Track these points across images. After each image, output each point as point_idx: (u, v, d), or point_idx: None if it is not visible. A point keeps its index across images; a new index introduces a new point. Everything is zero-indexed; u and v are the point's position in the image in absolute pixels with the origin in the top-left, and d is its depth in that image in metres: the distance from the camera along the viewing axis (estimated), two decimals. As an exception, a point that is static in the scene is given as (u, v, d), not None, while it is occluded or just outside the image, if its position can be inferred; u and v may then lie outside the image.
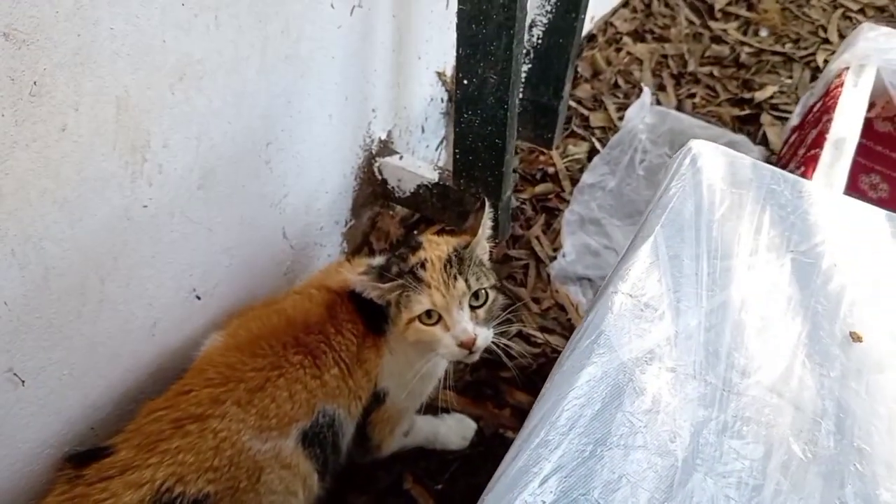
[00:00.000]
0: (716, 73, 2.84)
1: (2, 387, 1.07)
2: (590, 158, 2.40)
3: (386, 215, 1.92)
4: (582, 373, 0.87)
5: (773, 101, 2.74)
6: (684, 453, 0.82)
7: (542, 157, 2.37)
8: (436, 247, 1.33)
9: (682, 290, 1.00)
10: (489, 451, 1.75)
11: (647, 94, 2.45)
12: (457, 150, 1.63)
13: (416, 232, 2.05)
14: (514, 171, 2.22)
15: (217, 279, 1.42)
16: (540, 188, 2.29)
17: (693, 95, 2.74)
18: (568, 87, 1.87)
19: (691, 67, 2.84)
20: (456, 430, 1.70)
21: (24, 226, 1.00)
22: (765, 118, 2.61)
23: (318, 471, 1.30)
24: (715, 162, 1.21)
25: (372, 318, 1.34)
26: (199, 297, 1.39)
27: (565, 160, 2.38)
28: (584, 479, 0.78)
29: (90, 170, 1.07)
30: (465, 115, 1.57)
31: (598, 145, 2.44)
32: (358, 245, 1.89)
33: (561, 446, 0.79)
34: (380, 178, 1.80)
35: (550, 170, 2.34)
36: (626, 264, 1.04)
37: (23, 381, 1.10)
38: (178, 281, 1.33)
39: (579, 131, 2.52)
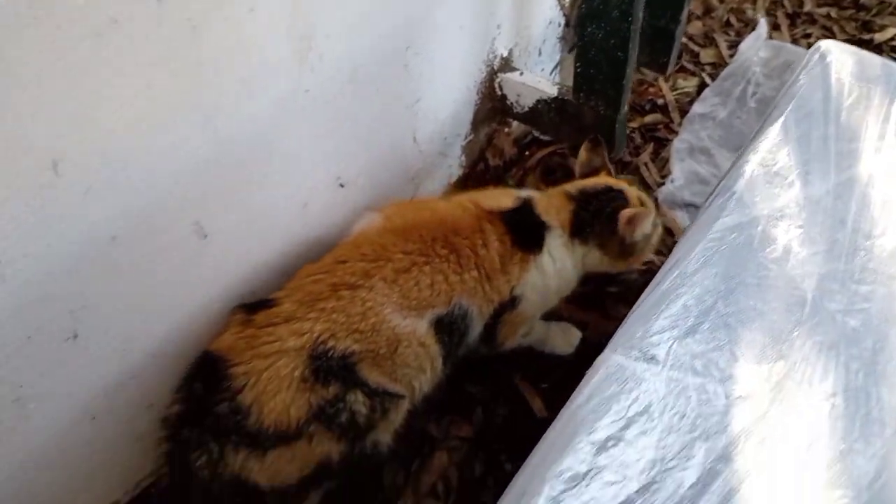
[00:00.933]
0: (833, 14, 2.78)
1: (189, 237, 1.24)
2: (699, 92, 2.42)
3: (501, 133, 2.01)
4: (716, 223, 0.95)
5: (894, 42, 2.66)
6: (812, 293, 0.89)
7: (651, 89, 2.41)
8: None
9: (811, 165, 1.06)
10: (592, 358, 1.83)
11: (762, 26, 2.44)
12: (578, 64, 1.71)
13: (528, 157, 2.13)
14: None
15: (357, 170, 1.56)
16: (649, 118, 2.33)
17: (808, 36, 2.70)
18: (685, 11, 1.91)
19: (807, 7, 2.79)
20: (564, 336, 1.80)
21: (212, 98, 1.14)
22: (884, 59, 2.55)
23: (444, 356, 1.43)
24: (844, 59, 1.25)
25: (523, 238, 1.48)
26: (342, 185, 1.53)
27: (674, 93, 2.41)
28: (719, 307, 0.86)
29: (269, 51, 1.21)
30: (589, 29, 1.64)
31: (707, 80, 2.46)
32: (475, 160, 2.00)
33: (697, 274, 0.87)
34: (499, 93, 1.90)
35: (660, 101, 2.38)
36: (755, 142, 1.10)
37: (206, 236, 1.27)
38: (325, 167, 1.47)
39: (689, 67, 2.54)
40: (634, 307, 0.99)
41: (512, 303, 1.50)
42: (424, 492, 1.65)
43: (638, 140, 2.27)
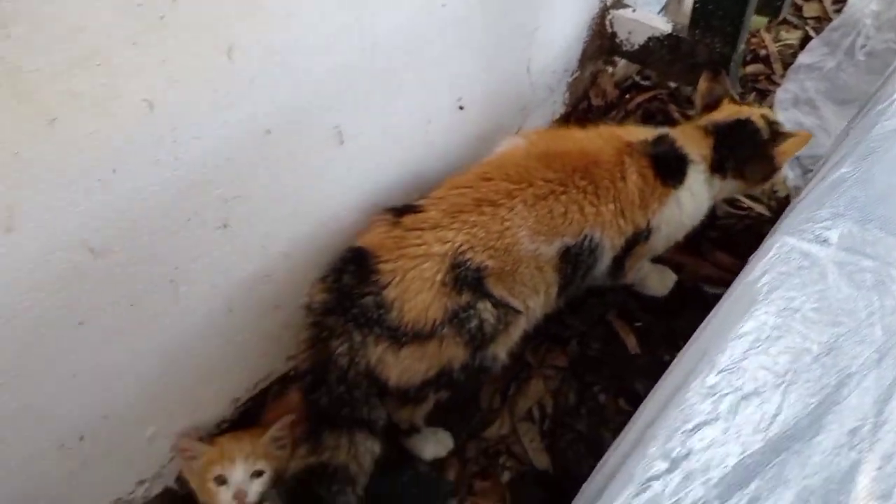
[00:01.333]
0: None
1: (329, 140, 1.28)
2: (802, 46, 2.37)
3: (605, 73, 2.01)
4: (876, 127, 0.94)
5: None
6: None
7: (753, 40, 2.36)
8: None
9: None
10: (685, 302, 1.84)
11: (875, -22, 2.36)
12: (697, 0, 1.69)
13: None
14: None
15: (476, 95, 1.58)
16: (751, 68, 2.30)
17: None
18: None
19: (918, -37, 2.68)
20: (660, 278, 1.81)
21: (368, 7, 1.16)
22: None
23: (560, 285, 1.45)
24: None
25: (664, 172, 1.49)
26: (461, 108, 1.55)
27: (777, 45, 2.37)
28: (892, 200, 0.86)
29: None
30: (714, -38, 1.62)
31: (811, 33, 2.40)
32: (578, 98, 2.00)
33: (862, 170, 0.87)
34: (610, 30, 1.89)
35: (762, 52, 2.34)
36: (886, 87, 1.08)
37: (342, 142, 1.30)
38: (449, 87, 1.49)
39: (793, 20, 2.48)
40: (800, 196, 1.00)
41: (645, 236, 1.51)
42: (520, 415, 1.69)
43: (739, 90, 2.23)
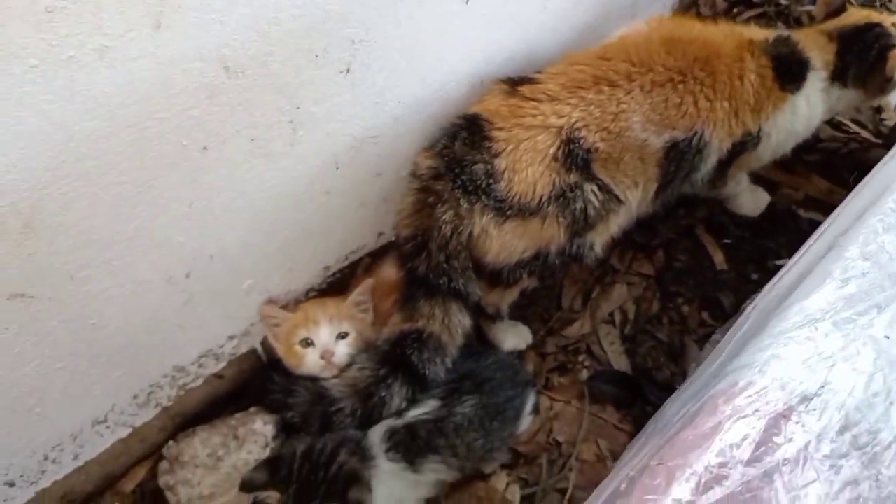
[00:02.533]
0: None
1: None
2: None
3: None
4: None
5: None
6: None
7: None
8: None
9: None
10: (776, 224, 1.78)
11: None
12: None
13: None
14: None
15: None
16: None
17: None
18: None
19: None
20: (753, 198, 1.75)
21: None
22: None
23: (659, 184, 1.39)
24: None
25: (784, 74, 1.41)
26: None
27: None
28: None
29: None
30: None
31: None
32: (688, 4, 1.93)
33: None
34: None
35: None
36: None
37: (467, 1, 1.25)
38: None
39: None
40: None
41: (754, 142, 1.45)
42: (601, 318, 1.66)
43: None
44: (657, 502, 0.64)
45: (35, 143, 0.85)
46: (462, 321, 1.31)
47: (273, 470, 1.15)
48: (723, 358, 0.86)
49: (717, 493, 0.64)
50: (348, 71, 1.13)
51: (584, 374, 1.58)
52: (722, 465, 0.68)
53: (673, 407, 0.95)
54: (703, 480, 0.66)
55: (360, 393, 1.28)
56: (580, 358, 1.61)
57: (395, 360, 1.28)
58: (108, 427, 1.26)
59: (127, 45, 0.86)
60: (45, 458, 1.20)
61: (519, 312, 1.63)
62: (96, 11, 0.81)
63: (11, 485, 1.18)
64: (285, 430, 1.36)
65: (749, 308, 1.07)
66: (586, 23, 1.57)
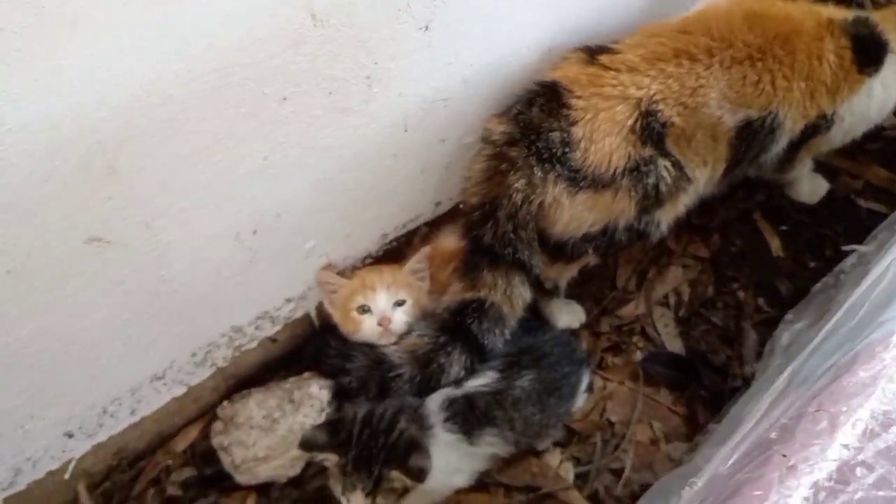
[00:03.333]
0: None
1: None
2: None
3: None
4: None
5: None
6: None
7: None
8: None
9: None
10: (834, 212, 1.74)
11: None
12: None
13: None
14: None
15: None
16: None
17: None
18: None
19: None
20: (812, 185, 1.71)
21: None
22: None
23: (728, 164, 1.36)
24: None
25: (862, 56, 1.37)
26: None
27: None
28: None
29: None
30: None
31: None
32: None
33: None
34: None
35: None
36: None
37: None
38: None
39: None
40: None
41: (827, 125, 1.41)
42: (656, 299, 1.63)
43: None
44: (824, 447, 0.62)
45: (126, 81, 0.83)
46: (523, 293, 1.29)
47: (333, 432, 1.14)
48: (864, 312, 0.83)
49: (886, 439, 0.62)
50: (427, 28, 1.11)
51: (638, 355, 1.55)
52: (887, 413, 0.65)
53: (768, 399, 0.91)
54: (869, 427, 0.64)
55: (418, 360, 1.26)
56: (634, 339, 1.58)
57: (455, 328, 1.27)
58: (165, 384, 1.25)
59: (221, -17, 0.83)
60: (104, 412, 1.19)
61: (573, 291, 1.60)
62: (195, -56, 0.78)
63: (70, 436, 1.17)
64: (339, 396, 1.35)
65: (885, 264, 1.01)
66: (655, -2, 1.54)
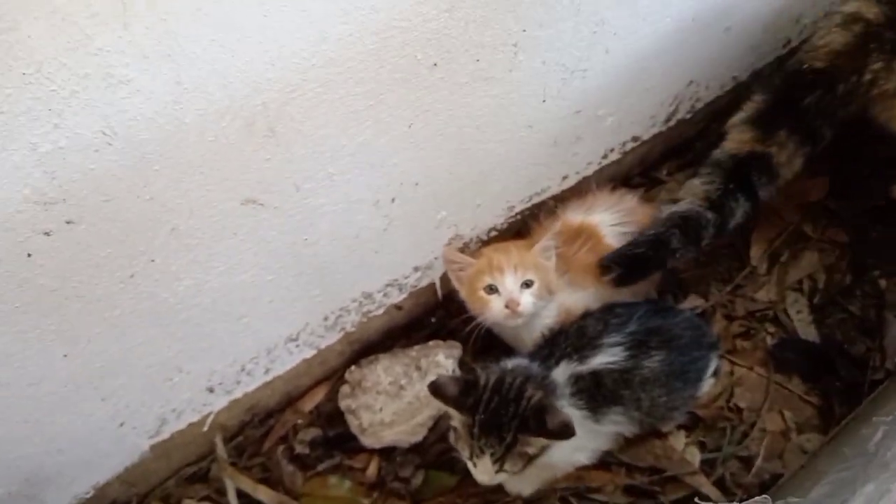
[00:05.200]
0: None
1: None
2: None
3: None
4: None
5: None
6: None
7: None
8: None
9: None
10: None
11: None
12: None
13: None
14: None
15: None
16: None
17: None
18: None
19: None
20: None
21: None
22: None
23: None
24: None
25: None
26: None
27: None
28: None
29: None
30: None
31: None
32: None
33: None
34: None
35: None
36: None
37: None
38: None
39: None
40: None
41: None
42: (789, 284, 1.56)
43: None
44: None
45: (294, 40, 0.84)
46: (798, 165, 1.33)
47: (464, 390, 1.13)
48: None
49: None
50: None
51: (769, 341, 1.49)
52: None
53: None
54: None
55: (713, 204, 1.31)
56: (765, 325, 1.51)
57: (740, 176, 1.31)
58: (297, 345, 1.28)
59: (385, -55, 0.83)
60: (242, 370, 1.23)
61: (699, 272, 1.56)
62: None
63: (211, 391, 1.22)
64: (462, 367, 1.35)
65: None
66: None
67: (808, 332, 1.49)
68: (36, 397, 0.98)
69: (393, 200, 1.16)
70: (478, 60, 1.05)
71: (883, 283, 1.55)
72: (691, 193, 1.33)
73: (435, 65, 1.00)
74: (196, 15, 0.75)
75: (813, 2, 1.63)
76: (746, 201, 1.32)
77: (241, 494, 1.30)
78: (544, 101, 1.22)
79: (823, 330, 1.50)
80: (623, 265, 1.32)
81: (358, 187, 1.08)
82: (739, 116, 1.37)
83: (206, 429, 1.27)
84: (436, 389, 1.11)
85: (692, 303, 1.54)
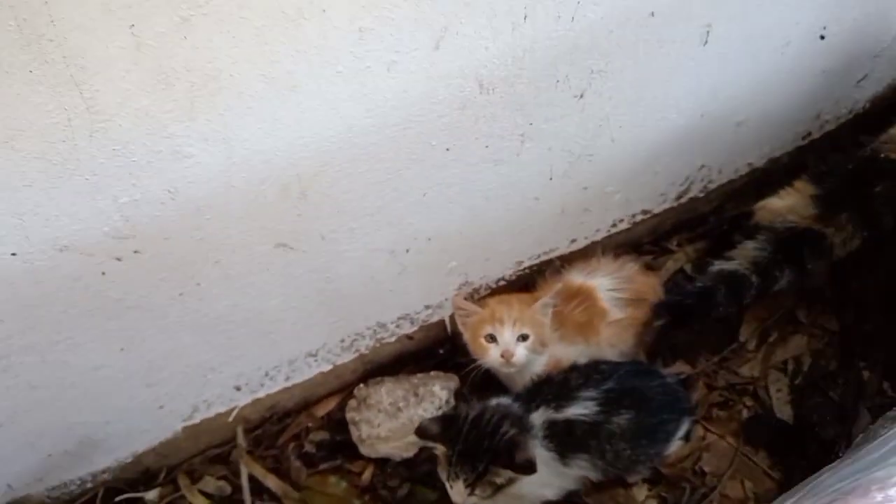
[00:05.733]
0: None
1: (695, 39, 1.29)
2: None
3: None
4: None
5: None
6: None
7: None
8: None
9: None
10: None
11: None
12: None
13: None
14: None
15: (843, 26, 1.50)
16: None
17: None
18: None
19: None
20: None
21: None
22: None
23: None
24: None
25: None
26: (822, 37, 1.48)
27: None
28: None
29: None
30: None
31: None
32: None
33: None
34: None
35: None
36: None
37: (705, 43, 1.30)
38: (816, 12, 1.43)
39: None
40: None
41: None
42: (774, 363, 1.66)
43: None
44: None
45: (324, 130, 1.05)
46: (852, 247, 1.42)
47: (445, 426, 1.32)
48: (884, 448, 0.87)
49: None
50: (582, 96, 1.24)
51: (745, 414, 1.60)
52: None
53: (831, 477, 0.98)
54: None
55: (760, 270, 1.43)
56: (744, 398, 1.63)
57: (792, 249, 1.42)
58: (316, 360, 1.49)
59: (409, 60, 1.03)
60: (266, 375, 1.45)
61: (691, 339, 1.68)
62: (395, 32, 0.98)
63: (238, 389, 1.45)
64: (457, 397, 1.53)
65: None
66: (824, 68, 1.56)
67: (783, 410, 1.60)
68: (95, 379, 1.22)
69: (407, 251, 1.35)
70: (487, 147, 1.23)
71: (866, 374, 1.64)
72: (742, 255, 1.45)
73: (447, 149, 1.19)
74: (246, 111, 0.96)
75: (836, 100, 1.73)
76: (792, 273, 1.42)
77: (252, 479, 1.52)
78: (551, 178, 1.39)
79: (800, 410, 1.60)
80: (672, 314, 1.47)
81: (376, 239, 1.28)
82: (804, 191, 1.47)
83: (231, 420, 1.50)
84: (420, 432, 1.30)
85: (679, 368, 1.67)
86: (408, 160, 1.17)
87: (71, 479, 1.42)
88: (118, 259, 1.05)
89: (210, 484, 1.53)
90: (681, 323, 1.50)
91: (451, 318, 1.59)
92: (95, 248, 1.01)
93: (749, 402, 1.62)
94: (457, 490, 1.32)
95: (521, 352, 1.41)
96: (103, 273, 1.06)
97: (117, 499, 1.47)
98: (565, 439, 1.38)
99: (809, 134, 1.78)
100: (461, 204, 1.31)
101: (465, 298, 1.52)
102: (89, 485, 1.46)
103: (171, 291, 1.15)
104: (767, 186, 1.84)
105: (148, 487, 1.51)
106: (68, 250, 0.99)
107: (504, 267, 1.56)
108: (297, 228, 1.17)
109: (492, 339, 1.42)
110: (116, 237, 1.01)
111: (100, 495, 1.48)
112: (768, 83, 1.49)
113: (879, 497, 0.72)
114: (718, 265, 1.47)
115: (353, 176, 1.14)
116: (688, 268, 1.77)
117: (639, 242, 1.77)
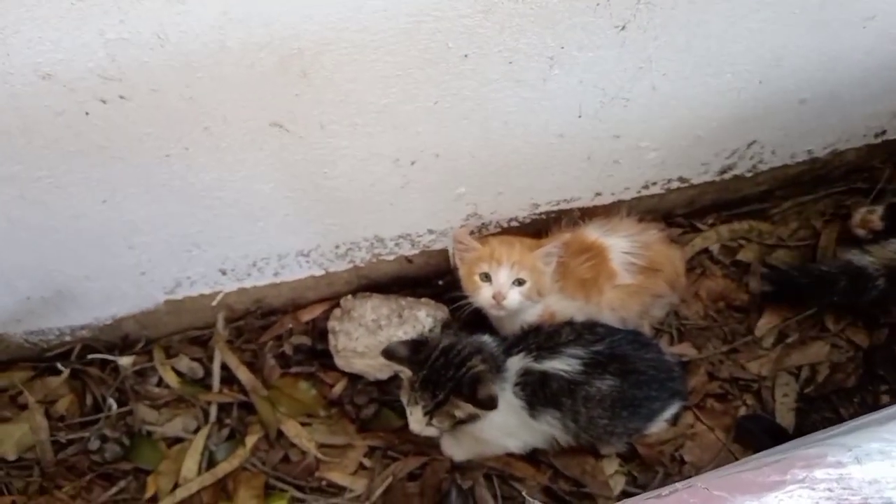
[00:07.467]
0: None
1: (764, -13, 1.16)
2: None
3: None
4: None
5: None
6: None
7: None
8: None
9: None
10: None
11: None
12: None
13: None
14: None
15: None
16: None
17: None
18: None
19: None
20: None
21: None
22: None
23: None
24: None
25: None
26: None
27: None
28: None
29: None
30: None
31: None
32: None
33: None
34: None
35: None
36: None
37: (775, -6, 1.17)
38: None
39: None
40: None
41: None
42: (787, 365, 1.55)
43: None
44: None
45: (330, 3, 0.98)
46: None
47: (413, 350, 1.27)
48: (840, 429, 0.79)
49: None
50: (623, 28, 1.14)
51: (743, 411, 1.51)
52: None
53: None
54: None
55: (889, 274, 1.39)
56: (745, 395, 1.53)
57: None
58: (307, 261, 1.46)
59: (431, -60, 0.94)
60: (253, 265, 1.43)
61: (705, 324, 1.58)
62: None
63: (223, 273, 1.43)
64: (443, 329, 1.48)
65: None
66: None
67: (785, 417, 1.50)
68: (76, 228, 1.21)
69: (413, 163, 1.29)
70: (510, 63, 1.14)
71: (885, 399, 1.51)
72: (879, 255, 1.41)
73: (466, 56, 1.11)
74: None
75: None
76: None
77: (225, 368, 1.52)
78: (579, 116, 1.29)
79: (804, 421, 1.49)
80: (779, 284, 1.46)
81: (379, 142, 1.22)
82: None
83: (214, 304, 1.49)
84: (387, 353, 1.27)
85: (684, 350, 1.57)
86: (420, 59, 1.09)
87: (49, 328, 1.44)
88: (103, 101, 1.02)
89: (184, 363, 1.53)
90: (781, 298, 1.50)
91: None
92: (79, 83, 0.99)
93: (749, 401, 1.52)
94: (415, 416, 1.28)
95: (513, 296, 1.35)
96: (87, 113, 1.03)
97: (90, 356, 1.49)
98: (538, 390, 1.32)
99: (884, 132, 1.62)
100: (476, 122, 1.24)
101: (471, 233, 1.46)
102: (67, 338, 1.48)
103: (157, 151, 1.12)
104: (826, 183, 1.71)
105: (123, 353, 1.52)
106: (51, 79, 0.97)
107: (518, 206, 1.48)
108: (294, 109, 1.11)
109: (486, 278, 1.36)
110: (102, 76, 0.98)
111: (76, 350, 1.50)
112: (842, 61, 1.35)
113: (802, 475, 0.64)
114: (852, 256, 1.42)
115: (360, 64, 1.07)
116: (714, 249, 1.66)
117: (670, 213, 1.66)
